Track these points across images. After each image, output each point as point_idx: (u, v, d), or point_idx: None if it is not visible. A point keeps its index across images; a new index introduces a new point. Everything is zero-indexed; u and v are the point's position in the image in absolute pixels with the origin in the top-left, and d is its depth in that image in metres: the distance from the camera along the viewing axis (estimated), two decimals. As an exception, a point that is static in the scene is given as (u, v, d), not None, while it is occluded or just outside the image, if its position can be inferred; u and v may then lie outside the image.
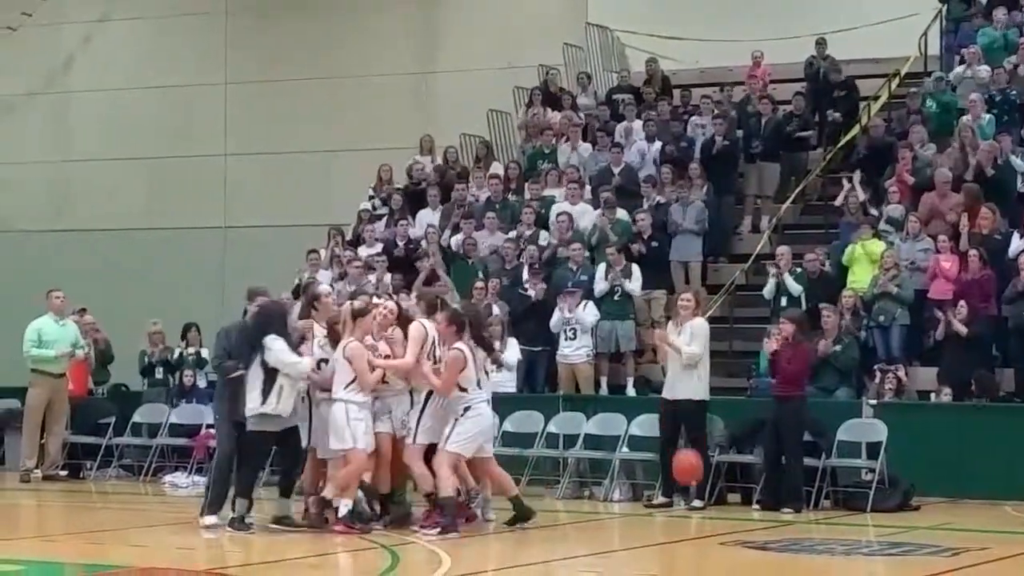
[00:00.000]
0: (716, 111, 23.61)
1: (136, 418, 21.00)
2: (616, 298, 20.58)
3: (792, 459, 16.98)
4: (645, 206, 22.08)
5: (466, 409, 14.53)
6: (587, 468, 18.87)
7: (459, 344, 14.57)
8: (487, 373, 14.96)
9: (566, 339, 20.32)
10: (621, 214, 21.96)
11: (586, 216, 22.22)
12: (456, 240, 22.47)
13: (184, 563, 13.38)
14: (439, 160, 24.85)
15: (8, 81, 29.79)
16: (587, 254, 21.32)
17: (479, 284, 20.85)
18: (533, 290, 20.88)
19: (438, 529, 14.34)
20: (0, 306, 25.27)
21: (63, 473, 20.48)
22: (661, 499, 17.23)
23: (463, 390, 14.54)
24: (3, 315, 22.66)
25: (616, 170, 23.14)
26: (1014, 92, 22.35)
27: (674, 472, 16.58)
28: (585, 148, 23.94)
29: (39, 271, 24.80)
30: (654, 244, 21.34)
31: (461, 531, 14.43)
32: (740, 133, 23.46)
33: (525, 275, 21.18)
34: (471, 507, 15.11)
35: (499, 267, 21.73)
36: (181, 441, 20.51)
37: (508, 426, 19.00)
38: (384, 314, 14.99)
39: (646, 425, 18.31)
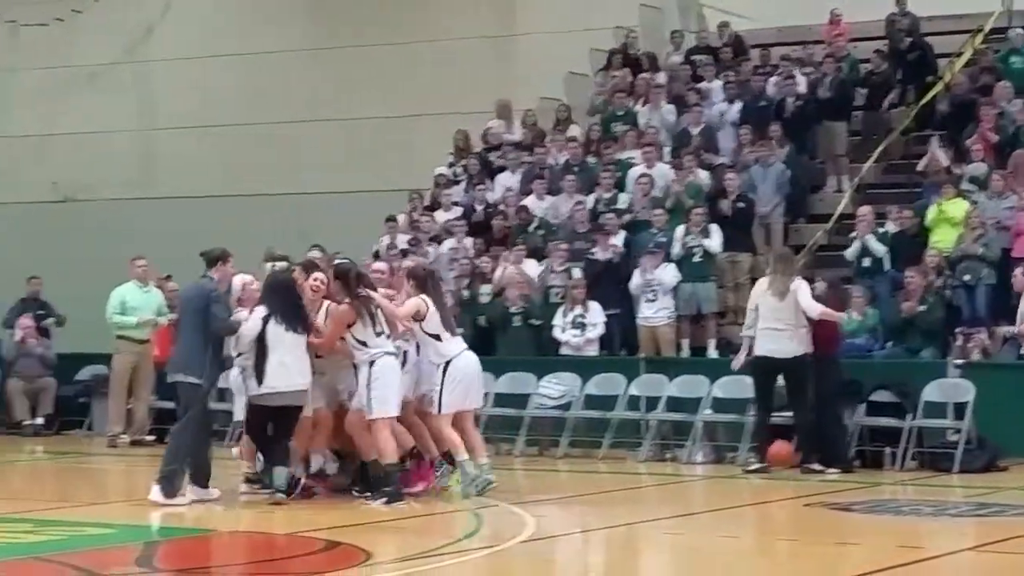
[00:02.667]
0: (788, 71, 23.35)
1: (222, 383, 21.07)
2: (696, 259, 20.44)
3: (822, 419, 16.90)
4: (727, 167, 21.93)
5: (371, 364, 14.14)
6: (669, 431, 18.87)
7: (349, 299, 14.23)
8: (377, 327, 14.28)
9: (647, 301, 20.24)
10: (699, 175, 21.82)
11: (665, 177, 22.11)
12: (533, 203, 22.43)
13: (271, 527, 13.47)
14: (516, 124, 24.80)
15: (91, 51, 29.95)
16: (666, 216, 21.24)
17: (560, 249, 20.83)
18: (602, 253, 20.82)
19: (384, 499, 14.01)
20: (88, 274, 25.42)
21: (150, 438, 20.68)
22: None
23: (362, 344, 14.21)
24: (91, 282, 22.77)
25: (695, 131, 23.01)
26: (1101, 48, 22.12)
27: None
28: (669, 109, 23.75)
29: (126, 239, 24.94)
30: (740, 205, 21.09)
31: (407, 499, 14.20)
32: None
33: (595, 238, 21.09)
34: (435, 472, 14.79)
35: (571, 231, 21.69)
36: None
37: (590, 389, 19.04)
38: (315, 286, 14.59)
39: (729, 387, 18.28)
